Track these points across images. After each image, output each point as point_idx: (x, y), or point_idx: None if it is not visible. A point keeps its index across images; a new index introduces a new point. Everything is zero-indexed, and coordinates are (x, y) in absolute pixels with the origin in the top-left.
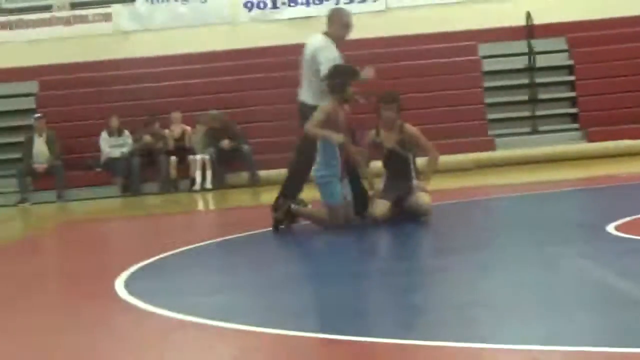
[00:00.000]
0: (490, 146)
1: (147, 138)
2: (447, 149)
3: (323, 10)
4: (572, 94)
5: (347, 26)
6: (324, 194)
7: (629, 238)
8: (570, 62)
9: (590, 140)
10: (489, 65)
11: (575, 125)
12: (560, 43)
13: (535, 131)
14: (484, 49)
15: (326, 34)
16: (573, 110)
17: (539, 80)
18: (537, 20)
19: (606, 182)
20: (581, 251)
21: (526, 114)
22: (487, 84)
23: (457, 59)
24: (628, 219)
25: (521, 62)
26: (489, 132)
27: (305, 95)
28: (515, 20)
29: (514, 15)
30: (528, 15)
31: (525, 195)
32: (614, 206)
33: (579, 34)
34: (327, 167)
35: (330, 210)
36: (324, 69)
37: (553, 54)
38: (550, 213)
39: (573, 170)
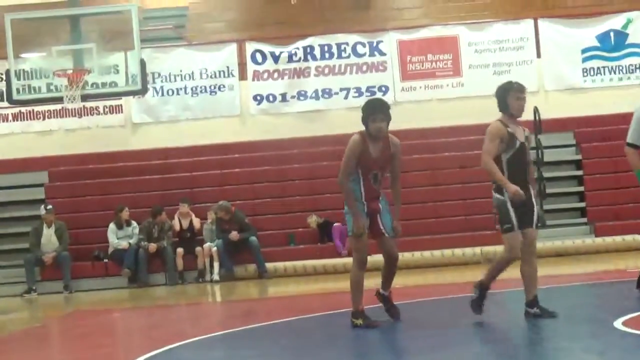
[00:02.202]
0: (498, 240)
1: (152, 247)
2: (456, 243)
3: (331, 103)
4: (580, 189)
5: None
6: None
7: (637, 334)
8: (578, 157)
9: (598, 235)
10: None
11: (583, 220)
12: (567, 138)
13: (543, 225)
14: None
15: None
16: (581, 205)
17: (546, 174)
18: (545, 115)
19: (614, 277)
20: (588, 347)
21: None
22: None
23: (466, 152)
24: (636, 314)
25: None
26: (497, 226)
27: None
28: (523, 115)
29: None
30: (536, 110)
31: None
32: (622, 301)
33: (587, 129)
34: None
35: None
36: None
37: (561, 148)
38: (557, 308)
39: (581, 264)
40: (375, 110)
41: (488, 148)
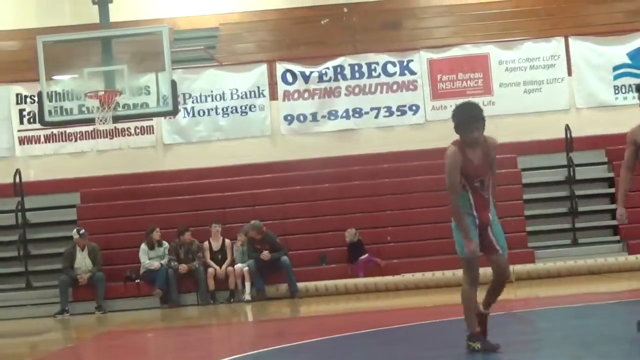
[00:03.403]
0: (530, 258)
1: (183, 267)
2: (487, 261)
3: (362, 123)
4: (613, 206)
5: None
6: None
7: None
8: (610, 174)
9: (631, 253)
10: (528, 178)
11: (616, 238)
12: (599, 155)
13: (575, 243)
14: (523, 161)
15: None
16: (613, 223)
17: (578, 192)
18: (576, 133)
19: None
20: None
21: (566, 226)
22: (526, 197)
23: (497, 171)
24: None
25: (561, 175)
26: (529, 244)
27: None
28: (554, 133)
29: (553, 128)
30: (567, 128)
31: (564, 308)
32: None
33: (618, 147)
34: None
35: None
36: None
37: (593, 166)
38: (590, 327)
39: (613, 283)
40: (472, 119)
41: None
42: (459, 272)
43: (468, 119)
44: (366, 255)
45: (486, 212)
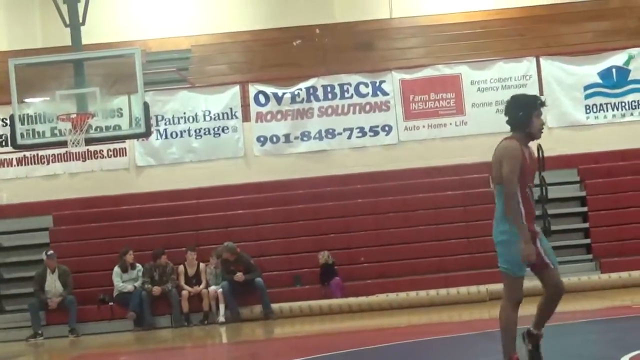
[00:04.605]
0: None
1: (157, 290)
2: (461, 281)
3: (335, 144)
4: (585, 225)
5: None
6: (501, 255)
7: None
8: (582, 193)
9: (604, 271)
10: None
11: (589, 256)
12: (572, 175)
13: None
14: None
15: None
16: (586, 241)
17: (551, 211)
18: (549, 152)
19: (620, 313)
20: None
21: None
22: None
23: (470, 191)
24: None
25: (534, 194)
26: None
27: None
28: None
29: None
30: (539, 148)
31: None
32: (628, 338)
33: (590, 166)
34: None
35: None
36: None
37: (565, 185)
38: (563, 345)
39: (586, 301)
40: (537, 105)
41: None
42: (433, 292)
43: (534, 105)
44: (337, 277)
45: (534, 223)
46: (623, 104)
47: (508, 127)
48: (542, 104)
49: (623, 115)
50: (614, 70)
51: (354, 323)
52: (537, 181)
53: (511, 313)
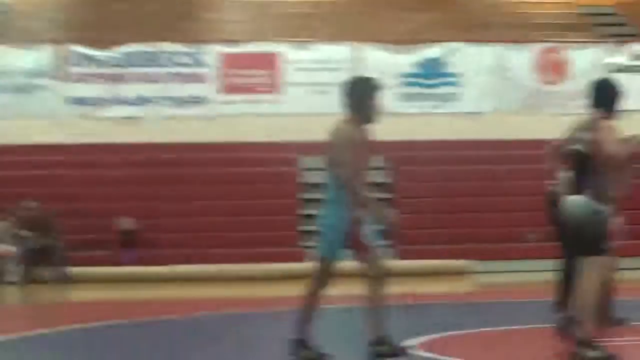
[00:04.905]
0: (300, 257)
1: None
2: (257, 258)
3: (149, 111)
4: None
5: None
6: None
7: (432, 357)
8: (388, 180)
9: (403, 258)
10: (309, 178)
11: (387, 242)
12: (379, 161)
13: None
14: (306, 161)
15: None
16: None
17: None
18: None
19: (414, 299)
20: None
21: None
22: (305, 196)
23: (277, 169)
24: (434, 336)
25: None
26: (302, 243)
27: None
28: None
29: None
30: None
31: (334, 308)
32: (419, 323)
33: (400, 153)
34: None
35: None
36: None
37: (372, 171)
38: (355, 327)
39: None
40: (376, 88)
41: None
42: (240, 266)
43: (369, 90)
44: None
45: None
46: (436, 96)
47: (322, 109)
48: (379, 87)
49: (435, 107)
50: (430, 61)
51: (154, 292)
52: None
53: (316, 290)
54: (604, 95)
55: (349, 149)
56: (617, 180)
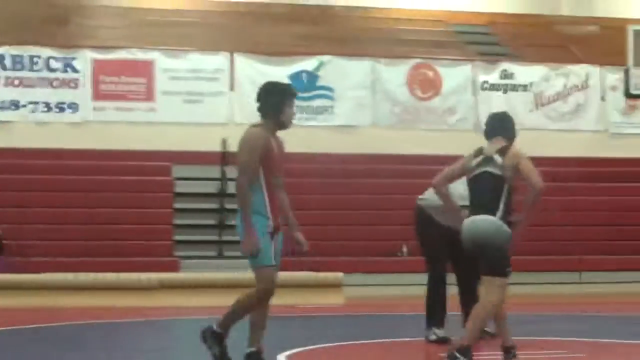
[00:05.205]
0: (174, 267)
1: None
2: (131, 267)
3: (19, 116)
4: None
5: None
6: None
7: None
8: None
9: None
10: (181, 187)
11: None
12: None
13: (221, 256)
14: (178, 170)
15: None
16: None
17: (228, 206)
18: (234, 147)
19: (283, 312)
20: None
21: (214, 238)
22: (177, 206)
23: (150, 178)
24: (299, 349)
25: (213, 187)
26: (175, 253)
27: None
28: (211, 145)
29: (211, 140)
30: (224, 142)
31: (204, 319)
32: (287, 336)
33: None
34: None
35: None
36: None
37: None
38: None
39: None
40: (290, 94)
41: None
42: (108, 275)
43: (285, 94)
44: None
45: (279, 217)
46: (310, 108)
47: (196, 118)
48: (295, 94)
49: (308, 119)
50: (304, 74)
51: (24, 300)
52: (217, 175)
53: (257, 305)
54: (507, 126)
55: (249, 154)
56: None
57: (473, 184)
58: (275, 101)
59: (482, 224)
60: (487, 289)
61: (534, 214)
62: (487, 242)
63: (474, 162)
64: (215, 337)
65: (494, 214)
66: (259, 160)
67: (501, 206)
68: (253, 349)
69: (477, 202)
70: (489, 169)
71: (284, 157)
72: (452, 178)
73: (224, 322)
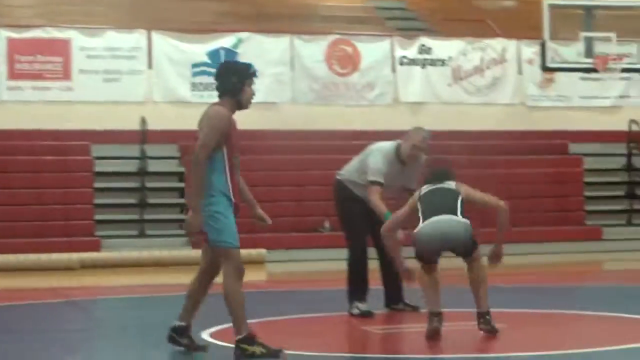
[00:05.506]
0: (96, 247)
1: None
2: (53, 248)
3: None
4: (181, 201)
5: (413, 148)
6: (212, 229)
7: (222, 345)
8: (181, 169)
9: (195, 247)
10: (100, 167)
11: (182, 232)
12: (172, 150)
13: (142, 235)
14: (97, 149)
15: (398, 145)
16: (181, 217)
17: (149, 184)
18: (152, 126)
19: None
20: (175, 357)
21: (135, 217)
22: (97, 185)
23: (69, 157)
24: (223, 326)
25: (133, 166)
26: (96, 233)
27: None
28: (130, 124)
29: (128, 119)
30: (143, 121)
31: (127, 298)
32: (211, 313)
33: (191, 143)
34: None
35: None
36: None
37: (165, 160)
38: (150, 318)
39: (177, 275)
40: (251, 73)
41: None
42: (24, 257)
43: (248, 73)
44: None
45: (239, 195)
46: None
47: (114, 97)
48: (255, 73)
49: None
50: (222, 51)
51: None
52: (137, 153)
53: (237, 286)
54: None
55: (212, 131)
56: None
57: (429, 197)
58: (234, 81)
59: (451, 228)
60: (473, 264)
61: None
62: (458, 243)
63: (423, 188)
64: (249, 340)
65: (455, 213)
66: (223, 140)
67: (458, 205)
68: (182, 324)
69: (436, 204)
70: (444, 185)
71: (239, 137)
72: (402, 221)
73: (235, 324)
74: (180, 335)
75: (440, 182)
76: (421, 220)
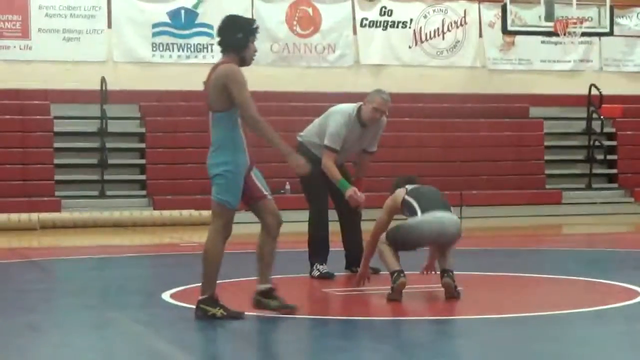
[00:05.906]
0: (56, 207)
1: None
2: (12, 208)
3: None
4: (142, 161)
5: (374, 111)
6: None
7: (181, 306)
8: (142, 129)
9: (156, 208)
10: (60, 127)
11: (143, 192)
12: (133, 110)
13: (103, 195)
14: (56, 109)
15: (359, 108)
16: (141, 177)
17: (109, 145)
18: (112, 86)
19: (168, 250)
20: (135, 317)
21: (95, 177)
22: (57, 145)
23: (28, 117)
24: (183, 287)
25: (94, 126)
26: (56, 193)
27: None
28: (90, 84)
29: (88, 79)
30: (103, 80)
31: (87, 258)
32: (172, 274)
33: (152, 103)
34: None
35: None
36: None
37: (126, 120)
38: (109, 278)
39: (138, 236)
40: (255, 29)
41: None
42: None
43: (249, 30)
44: None
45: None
46: (189, 46)
47: (73, 57)
48: (258, 29)
49: (188, 57)
50: (182, 11)
51: None
52: (97, 113)
53: (220, 245)
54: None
55: (242, 88)
56: None
57: (420, 192)
58: (239, 37)
59: (452, 228)
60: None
61: None
62: (452, 239)
63: (407, 187)
64: (211, 301)
65: (450, 209)
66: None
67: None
68: (268, 285)
69: (433, 199)
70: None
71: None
72: (387, 224)
73: (204, 283)
74: (267, 297)
75: (417, 183)
76: (418, 212)
